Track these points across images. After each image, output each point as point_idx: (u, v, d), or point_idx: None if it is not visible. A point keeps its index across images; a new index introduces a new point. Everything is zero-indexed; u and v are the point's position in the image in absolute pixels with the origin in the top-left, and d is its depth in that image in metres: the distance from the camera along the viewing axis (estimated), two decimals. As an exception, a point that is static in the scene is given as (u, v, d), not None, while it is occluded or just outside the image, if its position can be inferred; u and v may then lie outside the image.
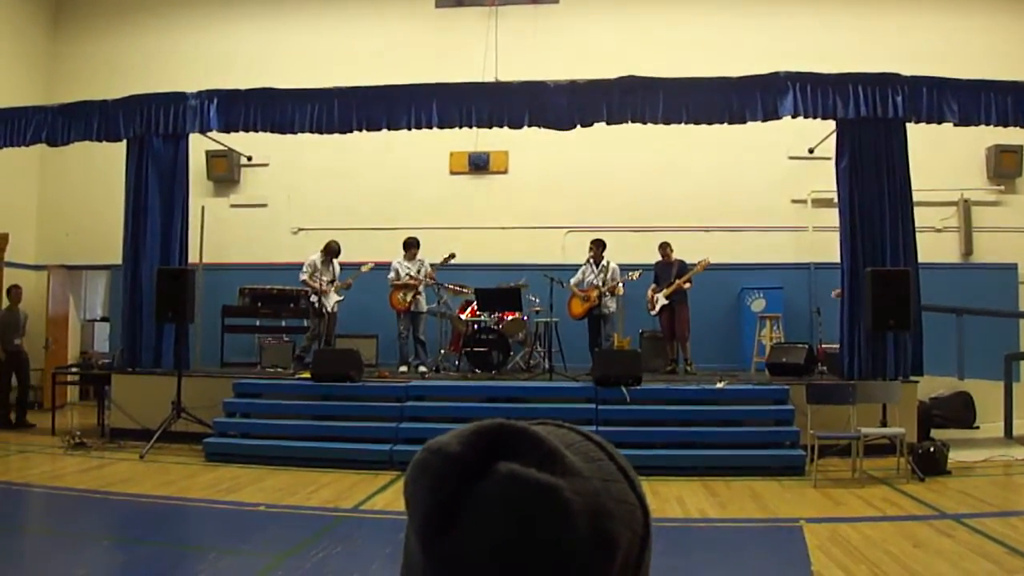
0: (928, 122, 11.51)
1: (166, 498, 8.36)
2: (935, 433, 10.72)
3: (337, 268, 12.98)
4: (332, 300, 12.76)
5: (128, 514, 7.97)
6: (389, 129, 12.29)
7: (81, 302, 18.03)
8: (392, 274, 12.97)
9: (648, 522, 0.81)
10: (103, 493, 8.56)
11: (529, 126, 12.02)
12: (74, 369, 14.17)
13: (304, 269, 12.88)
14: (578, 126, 11.92)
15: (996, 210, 14.94)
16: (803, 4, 15.51)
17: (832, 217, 12.40)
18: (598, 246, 12.85)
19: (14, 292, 14.18)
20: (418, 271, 12.92)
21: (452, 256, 12.98)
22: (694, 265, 12.84)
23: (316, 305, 12.72)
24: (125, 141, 12.88)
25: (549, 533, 0.71)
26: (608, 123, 11.87)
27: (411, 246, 13.11)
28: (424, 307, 13.09)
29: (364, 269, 12.99)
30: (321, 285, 12.60)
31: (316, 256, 12.93)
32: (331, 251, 12.91)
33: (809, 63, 12.00)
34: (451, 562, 0.73)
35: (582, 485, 0.74)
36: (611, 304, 12.78)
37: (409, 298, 12.79)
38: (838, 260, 11.80)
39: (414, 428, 10.33)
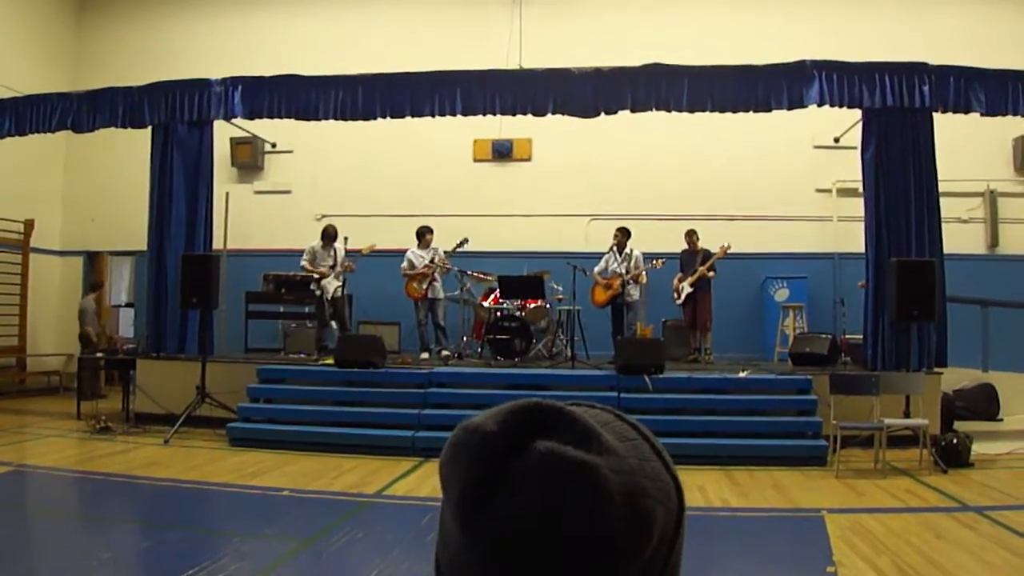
0: (955, 112, 11.42)
1: (190, 482, 8.42)
2: (958, 425, 10.64)
3: (340, 252, 12.91)
4: (332, 286, 12.74)
5: (153, 498, 8.03)
6: (413, 116, 12.29)
7: (107, 288, 18.16)
8: (406, 264, 13.01)
9: (682, 501, 0.82)
10: (128, 477, 8.64)
11: (553, 113, 12.00)
12: (100, 354, 14.28)
13: (304, 256, 12.91)
14: (602, 114, 11.89)
15: (1022, 202, 14.80)
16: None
17: (857, 207, 12.33)
18: (623, 234, 12.82)
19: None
20: (432, 259, 12.93)
21: (465, 241, 12.99)
22: (717, 252, 12.81)
23: (317, 292, 12.78)
24: (150, 128, 12.95)
25: (587, 510, 0.72)
26: (632, 111, 11.83)
27: (424, 234, 13.12)
28: (441, 293, 13.12)
29: (365, 251, 12.95)
30: (323, 269, 12.66)
31: (315, 242, 12.94)
32: (328, 235, 12.87)
33: (835, 51, 11.92)
34: (488, 538, 0.74)
35: (618, 463, 0.75)
36: (634, 292, 12.75)
37: (424, 286, 12.81)
38: (863, 250, 11.75)
39: (436, 415, 10.36)
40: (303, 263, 12.92)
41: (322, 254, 12.85)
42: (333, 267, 12.76)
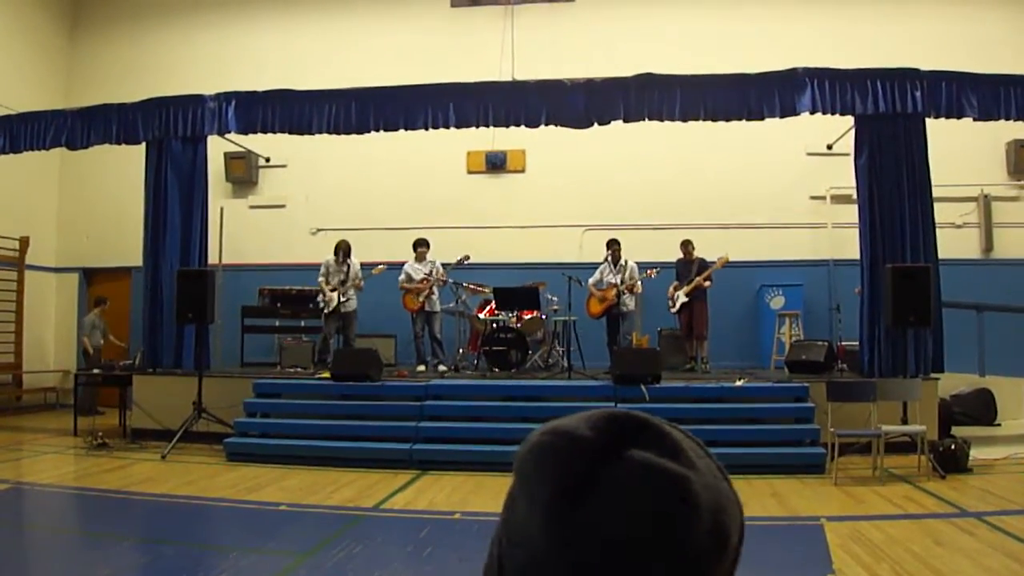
0: (947, 117, 11.45)
1: (188, 498, 8.39)
2: (956, 430, 10.65)
3: (355, 267, 12.92)
4: (333, 301, 12.75)
5: (150, 514, 8.01)
6: (406, 129, 12.31)
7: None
8: (403, 276, 12.98)
9: (743, 520, 0.83)
10: (125, 493, 8.60)
11: (546, 125, 12.02)
12: (96, 370, 14.26)
13: (320, 271, 12.93)
14: (595, 124, 11.91)
15: (1016, 205, 14.84)
16: (821, 1, 15.42)
17: (851, 213, 12.35)
18: (616, 245, 12.83)
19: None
20: (429, 272, 12.92)
21: (467, 258, 13.00)
22: (714, 262, 12.80)
23: (320, 306, 12.79)
24: (144, 144, 12.95)
25: (680, 522, 0.74)
26: (625, 121, 11.86)
27: (420, 247, 13.11)
28: (438, 306, 13.08)
29: (375, 271, 12.96)
30: (333, 287, 12.66)
31: (331, 257, 12.94)
32: (341, 251, 12.89)
33: (827, 58, 11.96)
34: (578, 539, 0.74)
35: (704, 479, 0.78)
36: (630, 302, 12.75)
37: (422, 298, 12.79)
38: (857, 257, 11.76)
39: (433, 427, 10.36)
40: (319, 279, 12.94)
41: (335, 269, 12.83)
42: (343, 282, 12.73)
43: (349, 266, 12.84)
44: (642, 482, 0.74)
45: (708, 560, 0.75)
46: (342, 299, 12.67)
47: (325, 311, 12.71)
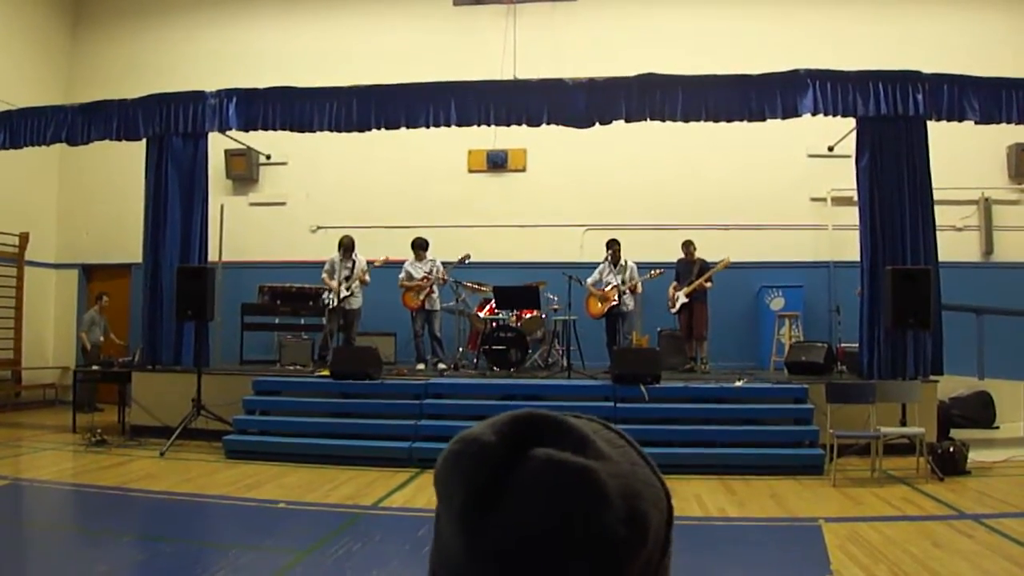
0: (949, 120, 11.45)
1: (186, 495, 8.39)
2: (955, 433, 10.66)
3: (361, 262, 12.93)
4: (336, 298, 12.75)
5: (148, 511, 8.01)
6: (407, 127, 12.30)
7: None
8: (403, 274, 13.00)
9: (671, 505, 0.82)
10: (123, 490, 8.61)
11: (547, 124, 12.01)
12: (95, 367, 14.26)
13: (325, 267, 12.94)
14: (596, 124, 11.90)
15: (1017, 209, 14.82)
16: (823, 1, 15.42)
17: (852, 215, 12.35)
18: (616, 245, 12.81)
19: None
20: (430, 271, 12.92)
21: (467, 257, 13.00)
22: (715, 264, 12.79)
23: (325, 302, 12.80)
24: (144, 140, 12.94)
25: (589, 513, 0.73)
26: (627, 121, 11.85)
27: (419, 247, 13.11)
28: (438, 305, 13.10)
29: (376, 264, 12.96)
30: (337, 282, 12.65)
31: (335, 254, 12.95)
32: (344, 247, 12.90)
33: (829, 60, 11.95)
34: (494, 547, 0.73)
35: (614, 468, 0.76)
36: (630, 302, 12.74)
37: (422, 296, 12.79)
38: (858, 258, 11.75)
39: (433, 426, 10.36)
40: (322, 275, 12.95)
41: (340, 266, 12.84)
42: (348, 278, 12.72)
43: (354, 262, 12.84)
44: (545, 479, 0.73)
45: (628, 548, 0.74)
46: (345, 294, 12.67)
47: (329, 307, 12.71)
